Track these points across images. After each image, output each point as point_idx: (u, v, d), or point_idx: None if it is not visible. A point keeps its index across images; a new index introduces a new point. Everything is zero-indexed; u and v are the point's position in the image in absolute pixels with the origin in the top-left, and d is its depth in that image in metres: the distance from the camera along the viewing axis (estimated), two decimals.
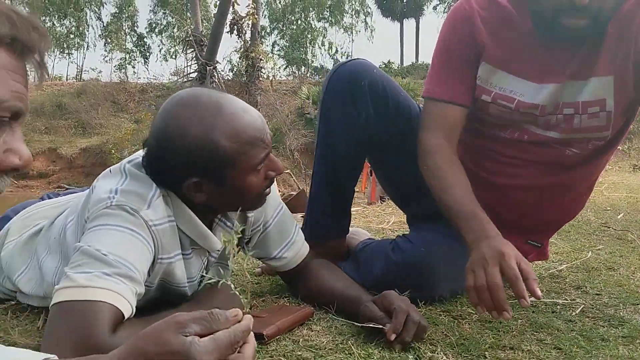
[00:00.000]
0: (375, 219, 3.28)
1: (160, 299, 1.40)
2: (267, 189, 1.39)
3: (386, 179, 2.01)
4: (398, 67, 30.05)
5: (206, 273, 1.48)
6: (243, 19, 16.37)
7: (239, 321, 0.82)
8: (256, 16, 16.11)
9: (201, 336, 0.77)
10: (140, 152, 1.35)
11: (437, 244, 1.65)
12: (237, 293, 0.95)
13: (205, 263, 1.46)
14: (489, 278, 1.28)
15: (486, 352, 1.26)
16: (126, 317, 1.13)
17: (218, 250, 1.45)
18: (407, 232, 1.85)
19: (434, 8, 38.35)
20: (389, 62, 30.82)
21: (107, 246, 1.16)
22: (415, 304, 1.52)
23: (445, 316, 1.51)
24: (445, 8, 36.46)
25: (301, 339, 1.32)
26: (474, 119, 1.69)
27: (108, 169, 1.36)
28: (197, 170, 1.25)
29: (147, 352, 0.74)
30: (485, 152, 1.72)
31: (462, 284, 1.68)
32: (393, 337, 1.24)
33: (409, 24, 40.70)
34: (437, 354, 1.24)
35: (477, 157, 1.74)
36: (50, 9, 36.41)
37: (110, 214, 1.21)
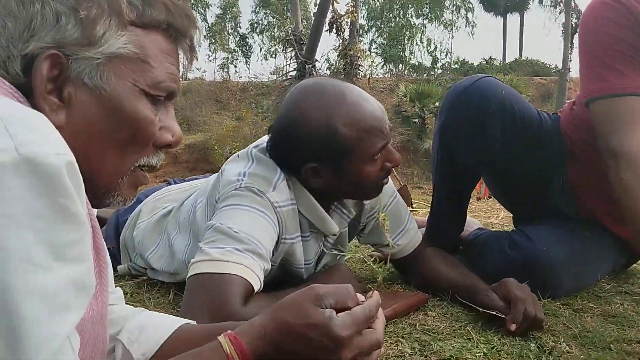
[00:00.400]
0: (482, 213, 3.22)
1: (279, 278, 1.46)
2: (384, 179, 1.41)
3: (497, 184, 1.98)
4: (500, 64, 29.13)
5: (321, 257, 1.54)
6: (342, 17, 16.42)
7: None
8: (355, 14, 16.12)
9: (336, 310, 0.80)
10: (265, 137, 1.42)
11: (557, 241, 1.59)
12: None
13: (321, 247, 1.51)
14: None
15: (611, 345, 1.23)
16: (255, 290, 1.19)
17: (334, 235, 1.49)
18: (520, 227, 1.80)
19: (540, 2, 36.82)
20: (490, 58, 29.97)
21: (237, 224, 1.23)
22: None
23: (565, 309, 1.48)
24: (552, 2, 34.88)
25: (418, 323, 1.34)
26: None
27: (236, 154, 1.44)
28: (315, 155, 1.31)
29: (289, 322, 0.77)
30: None
31: (585, 282, 1.64)
32: (514, 327, 1.23)
33: (512, 19, 39.42)
34: (560, 344, 1.22)
35: None
36: None
37: (240, 194, 1.29)
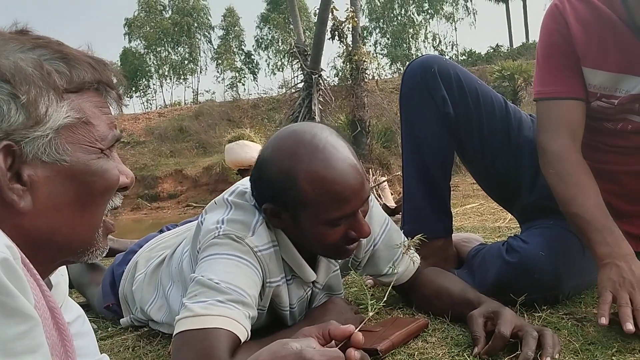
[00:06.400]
0: (490, 216, 3.17)
1: (271, 322, 1.45)
2: (350, 245, 1.33)
3: (480, 177, 1.98)
4: (508, 50, 28.86)
5: (311, 301, 1.51)
6: (343, 24, 16.41)
7: (350, 335, 0.87)
8: (356, 19, 16.10)
9: None
10: (239, 183, 1.41)
11: (554, 241, 1.57)
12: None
13: (309, 293, 1.48)
14: (636, 303, 1.27)
15: (613, 357, 1.19)
16: (242, 340, 1.18)
17: (316, 282, 1.47)
18: (519, 233, 1.78)
19: None
20: (497, 45, 29.72)
21: (218, 275, 1.22)
22: (535, 308, 1.47)
23: (568, 319, 1.44)
24: None
25: (416, 352, 1.31)
26: None
27: (213, 201, 1.42)
28: (274, 197, 1.28)
29: None
30: (590, 143, 1.69)
31: (585, 280, 1.61)
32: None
33: (515, 4, 39.00)
34: None
35: (583, 147, 1.68)
36: (165, 39, 38.83)
37: (219, 243, 1.28)
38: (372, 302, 1.36)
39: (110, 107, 0.83)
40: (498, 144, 1.80)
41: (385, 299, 1.31)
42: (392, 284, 1.42)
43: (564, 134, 1.57)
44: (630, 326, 1.25)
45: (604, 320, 1.28)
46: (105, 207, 0.81)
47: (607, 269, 1.35)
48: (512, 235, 1.73)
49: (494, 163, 1.84)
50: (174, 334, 1.19)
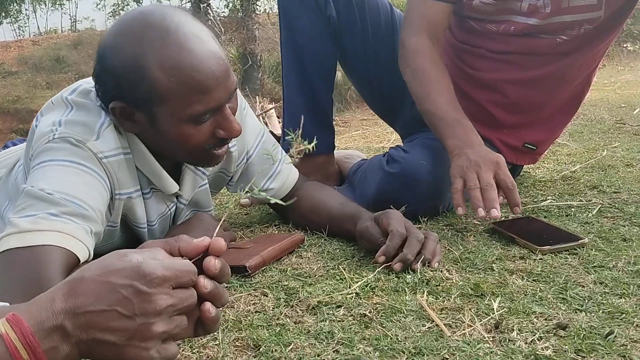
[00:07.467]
0: (375, 138, 3.12)
1: (129, 242, 1.28)
2: (218, 149, 1.15)
3: (364, 88, 1.89)
4: None
5: (175, 219, 1.34)
6: None
7: (207, 247, 0.69)
8: None
9: None
10: (82, 80, 1.19)
11: (435, 151, 1.51)
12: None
13: (173, 209, 1.31)
14: (483, 180, 1.29)
15: (494, 265, 1.13)
16: (82, 260, 1.00)
17: (180, 196, 1.29)
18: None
19: None
20: None
21: (52, 184, 1.02)
22: (416, 220, 1.41)
23: (448, 230, 1.38)
24: None
25: (289, 268, 1.20)
26: (457, 16, 1.60)
27: (50, 100, 1.19)
28: (122, 93, 1.07)
29: (86, 278, 0.64)
30: (471, 50, 1.63)
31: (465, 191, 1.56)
32: (382, 259, 1.14)
33: None
34: (439, 271, 1.12)
35: (464, 55, 1.65)
36: None
37: (54, 147, 1.07)
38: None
39: None
40: (382, 51, 1.70)
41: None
42: (253, 180, 1.29)
43: (425, 33, 1.54)
44: (482, 212, 1.26)
45: (460, 211, 1.31)
46: None
47: (457, 158, 1.36)
48: (394, 146, 1.65)
49: (377, 72, 1.74)
50: None
